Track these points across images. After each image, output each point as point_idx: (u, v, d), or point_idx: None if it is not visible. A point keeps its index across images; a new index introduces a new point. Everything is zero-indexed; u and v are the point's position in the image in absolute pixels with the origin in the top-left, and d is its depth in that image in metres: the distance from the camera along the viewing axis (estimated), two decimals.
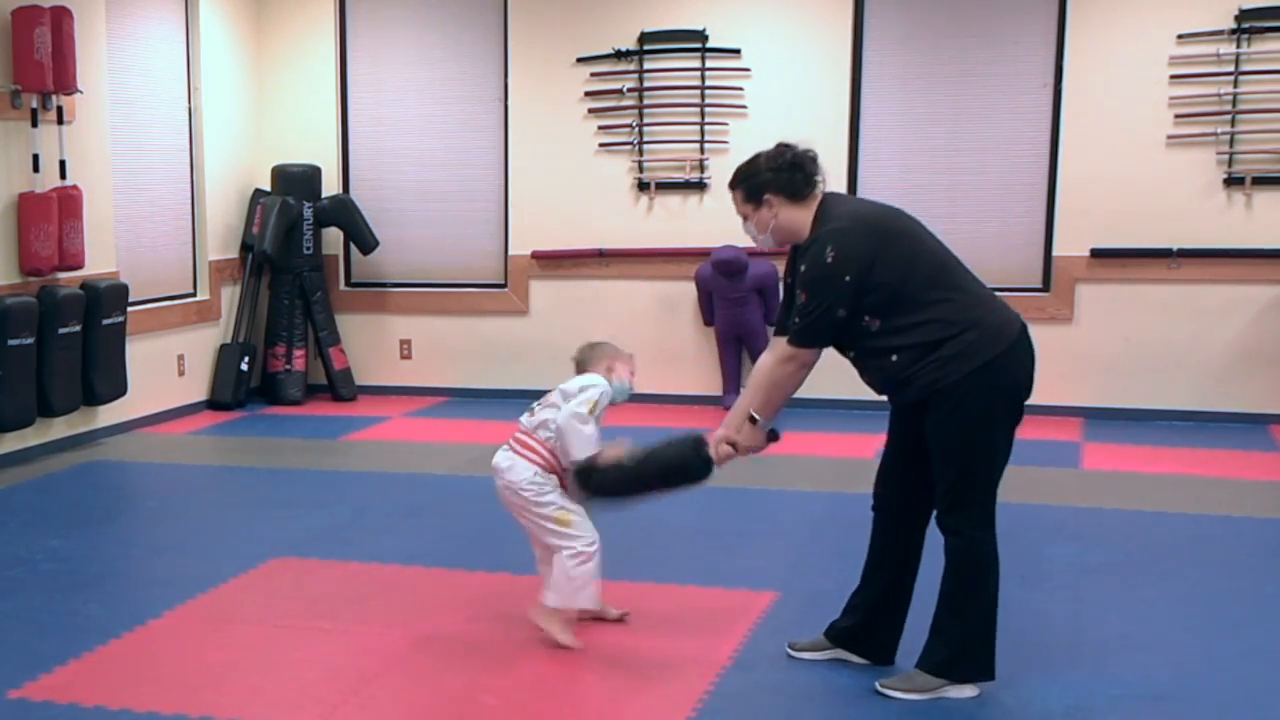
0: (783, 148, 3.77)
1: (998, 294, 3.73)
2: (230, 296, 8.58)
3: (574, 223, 8.45)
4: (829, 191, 3.78)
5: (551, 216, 8.51)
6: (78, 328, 6.85)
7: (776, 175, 3.72)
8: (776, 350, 3.73)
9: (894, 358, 3.62)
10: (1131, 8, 7.64)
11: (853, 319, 3.59)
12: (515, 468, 4.03)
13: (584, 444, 3.97)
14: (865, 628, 3.93)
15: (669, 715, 3.61)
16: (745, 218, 3.81)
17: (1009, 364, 3.59)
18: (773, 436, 3.78)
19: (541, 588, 4.15)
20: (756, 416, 3.74)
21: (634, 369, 4.23)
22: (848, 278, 3.54)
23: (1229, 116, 7.52)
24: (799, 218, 3.71)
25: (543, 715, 3.67)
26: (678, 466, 3.90)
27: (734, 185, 3.82)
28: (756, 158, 3.80)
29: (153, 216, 7.94)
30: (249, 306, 8.60)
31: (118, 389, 7.26)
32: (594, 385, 4.06)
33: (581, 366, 4.21)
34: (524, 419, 4.13)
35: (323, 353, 8.69)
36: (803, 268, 3.64)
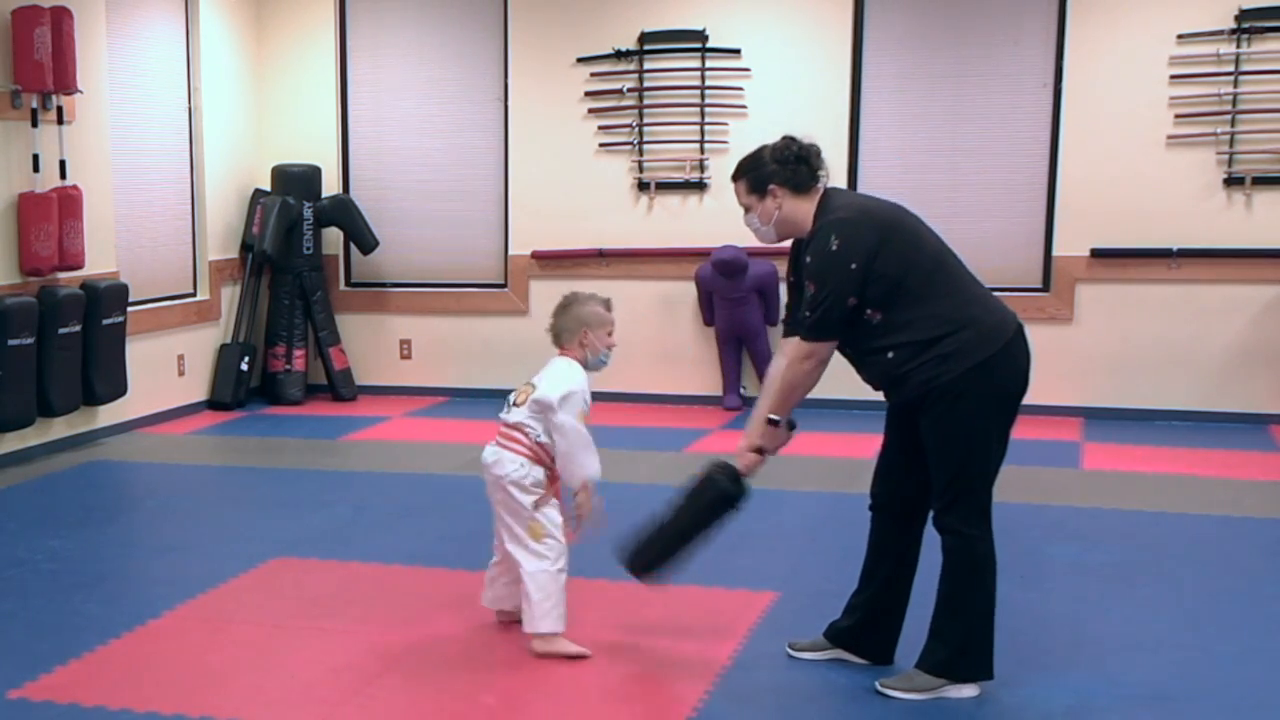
0: (788, 140, 3.78)
1: (995, 293, 3.74)
2: (230, 296, 8.58)
3: (574, 223, 8.44)
4: (830, 186, 3.79)
5: (551, 216, 8.50)
6: (78, 328, 6.85)
7: (782, 167, 3.72)
8: (789, 350, 3.73)
9: (890, 354, 3.62)
10: (1131, 8, 7.64)
11: (858, 310, 3.59)
12: (501, 461, 3.99)
13: (591, 455, 3.96)
14: (864, 627, 3.93)
15: (669, 715, 3.61)
16: (748, 209, 3.81)
17: (1004, 363, 3.60)
18: (791, 426, 3.79)
19: (484, 587, 4.23)
20: (776, 418, 3.75)
21: (612, 328, 4.16)
22: (854, 265, 3.55)
23: (1229, 116, 7.52)
24: (802, 210, 3.72)
25: (543, 715, 3.68)
26: (717, 502, 3.83)
27: (738, 176, 3.82)
28: (761, 150, 3.80)
29: (153, 216, 7.94)
30: (249, 306, 8.60)
31: (118, 389, 7.26)
32: (571, 389, 3.98)
33: (557, 338, 4.17)
34: (503, 414, 4.09)
35: (323, 353, 8.69)
36: (808, 259, 3.65)
